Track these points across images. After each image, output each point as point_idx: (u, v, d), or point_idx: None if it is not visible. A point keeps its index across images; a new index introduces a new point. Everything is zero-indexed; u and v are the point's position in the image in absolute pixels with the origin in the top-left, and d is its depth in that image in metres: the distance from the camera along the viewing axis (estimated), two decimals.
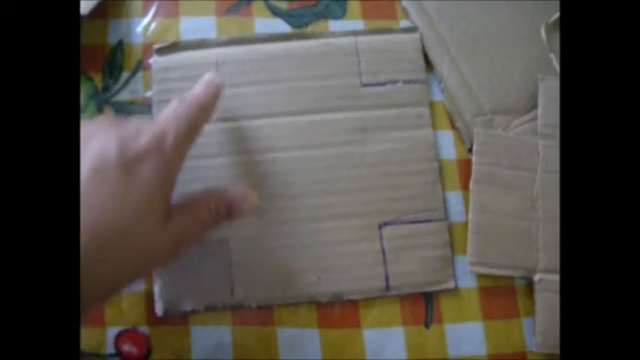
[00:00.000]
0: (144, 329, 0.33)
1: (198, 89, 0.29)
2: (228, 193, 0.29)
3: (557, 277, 0.34)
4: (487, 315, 0.34)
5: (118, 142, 0.25)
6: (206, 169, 0.34)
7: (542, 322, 0.33)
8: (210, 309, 0.33)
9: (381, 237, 0.34)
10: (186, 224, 0.27)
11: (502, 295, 0.35)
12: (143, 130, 0.26)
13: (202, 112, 0.29)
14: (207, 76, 0.30)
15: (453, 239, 0.35)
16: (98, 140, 0.25)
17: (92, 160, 0.24)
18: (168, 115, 0.27)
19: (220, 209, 0.29)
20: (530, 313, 0.34)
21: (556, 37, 0.38)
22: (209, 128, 0.34)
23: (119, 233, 0.24)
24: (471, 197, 0.35)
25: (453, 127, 0.37)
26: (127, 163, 0.25)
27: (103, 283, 0.25)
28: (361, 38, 0.37)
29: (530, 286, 0.34)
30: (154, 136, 0.26)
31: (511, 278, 0.35)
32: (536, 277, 0.34)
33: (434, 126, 0.37)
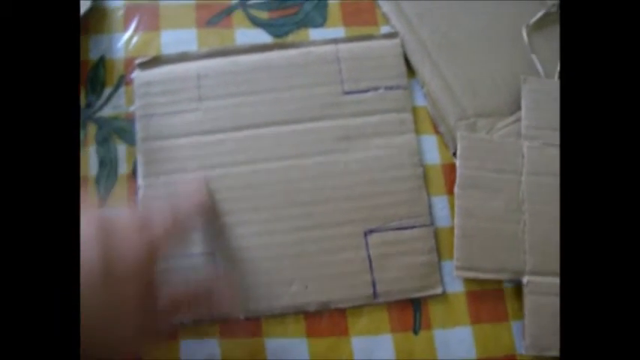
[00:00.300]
0: None
1: (190, 207, 0.31)
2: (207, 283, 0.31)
3: (544, 279, 0.34)
4: (476, 319, 0.34)
5: (104, 253, 0.25)
6: (188, 183, 0.34)
7: (531, 325, 0.33)
8: (198, 322, 0.33)
9: (366, 244, 0.34)
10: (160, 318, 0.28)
11: (490, 299, 0.35)
12: (133, 243, 0.26)
13: (191, 223, 0.31)
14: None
15: (440, 244, 0.35)
16: (85, 248, 0.24)
17: (82, 266, 0.23)
18: (159, 229, 0.27)
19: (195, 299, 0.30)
20: (519, 316, 0.34)
21: (537, 38, 0.38)
22: (191, 141, 0.35)
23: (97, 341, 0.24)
24: (456, 202, 0.35)
25: (437, 131, 0.37)
26: (113, 282, 0.25)
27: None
28: (342, 46, 0.37)
29: (518, 288, 0.34)
30: (147, 248, 0.26)
31: (498, 282, 0.35)
32: (524, 280, 0.34)
33: (417, 131, 0.37)
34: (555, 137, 0.36)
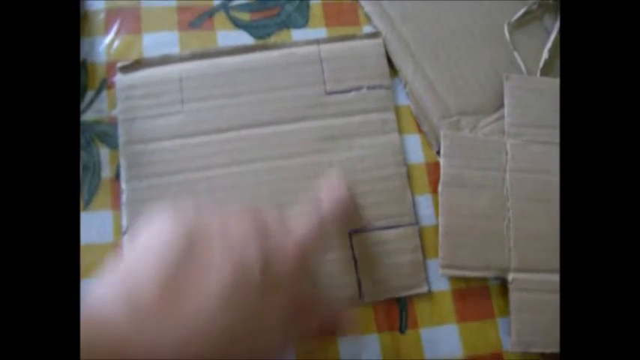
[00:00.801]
0: None
1: (336, 206, 0.29)
2: (335, 315, 0.29)
3: (530, 276, 0.34)
4: (462, 317, 0.34)
5: (262, 258, 0.23)
6: (170, 185, 0.34)
7: (517, 321, 0.33)
8: None
9: (351, 245, 0.34)
10: (303, 332, 0.27)
11: (476, 297, 0.35)
12: (286, 247, 0.24)
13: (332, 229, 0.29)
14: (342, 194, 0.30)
15: (424, 243, 0.35)
16: (242, 250, 0.23)
17: (234, 273, 0.22)
18: (306, 229, 0.26)
19: (328, 327, 0.28)
20: (505, 312, 0.34)
21: (519, 35, 0.38)
22: (174, 144, 0.35)
23: (245, 340, 0.22)
24: (441, 200, 0.35)
25: (420, 130, 0.37)
26: (268, 283, 0.23)
27: None
28: (324, 46, 0.37)
29: (503, 285, 0.34)
30: (298, 251, 0.24)
31: (484, 279, 0.35)
32: (510, 277, 0.34)
33: (401, 131, 0.37)
34: (539, 134, 0.36)
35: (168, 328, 0.21)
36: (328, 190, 0.30)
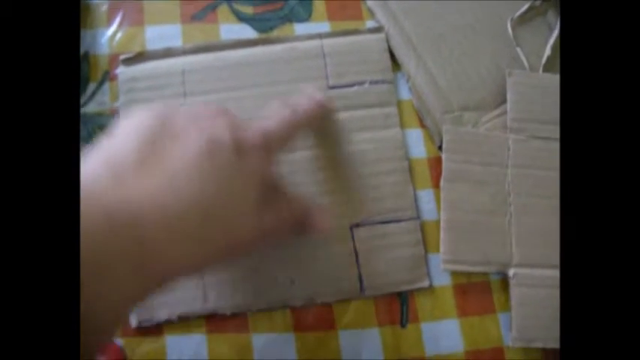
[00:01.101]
0: (118, 341, 0.33)
1: (309, 105, 0.30)
2: (306, 208, 0.30)
3: (531, 271, 0.34)
4: (463, 312, 0.34)
5: (232, 130, 0.25)
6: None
7: (517, 317, 0.33)
8: (184, 318, 0.33)
9: (352, 238, 0.34)
10: (277, 221, 0.27)
11: (477, 292, 0.35)
12: (251, 125, 0.27)
13: (303, 128, 0.30)
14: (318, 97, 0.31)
15: (426, 238, 0.35)
16: (212, 124, 0.25)
17: (207, 141, 0.24)
18: (276, 119, 0.28)
19: (300, 218, 0.29)
20: (506, 308, 0.34)
21: (522, 31, 0.38)
22: None
23: (221, 213, 0.24)
24: (442, 195, 0.35)
25: (422, 125, 0.37)
26: (239, 152, 0.25)
27: (193, 260, 0.24)
28: (327, 41, 0.37)
29: (504, 281, 0.34)
30: (263, 133, 0.26)
31: (485, 274, 0.35)
32: (511, 272, 0.34)
33: (403, 125, 0.37)
34: (541, 130, 0.36)
35: (147, 181, 0.22)
36: (305, 95, 0.31)
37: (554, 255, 0.34)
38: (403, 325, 0.34)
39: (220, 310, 0.33)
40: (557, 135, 0.36)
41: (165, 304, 0.33)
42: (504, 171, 0.35)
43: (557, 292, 0.33)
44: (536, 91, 0.36)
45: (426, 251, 0.35)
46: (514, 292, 0.33)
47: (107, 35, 0.37)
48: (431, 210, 0.36)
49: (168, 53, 0.36)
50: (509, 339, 0.33)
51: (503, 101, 0.37)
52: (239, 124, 0.26)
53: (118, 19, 0.38)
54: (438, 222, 0.35)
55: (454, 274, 0.35)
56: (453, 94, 0.37)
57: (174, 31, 0.37)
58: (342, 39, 0.37)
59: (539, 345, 0.33)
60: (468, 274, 0.35)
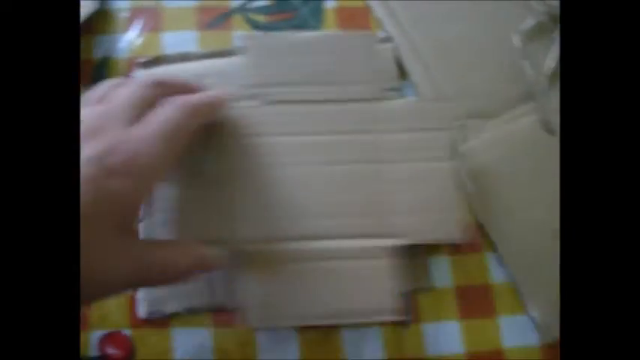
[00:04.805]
0: (127, 332, 0.34)
1: (194, 95, 0.30)
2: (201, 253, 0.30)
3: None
4: (464, 314, 0.35)
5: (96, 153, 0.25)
6: None
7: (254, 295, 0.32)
8: (191, 311, 0.34)
9: None
10: (159, 262, 0.27)
11: (478, 294, 0.35)
12: (123, 139, 0.26)
13: (192, 119, 0.29)
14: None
15: None
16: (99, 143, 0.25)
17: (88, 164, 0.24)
18: (154, 121, 0.27)
19: (194, 265, 0.29)
20: (507, 311, 0.35)
21: (527, 42, 0.39)
22: None
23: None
24: None
25: None
26: (96, 177, 0.24)
27: None
28: None
29: (508, 284, 0.35)
30: (129, 155, 0.25)
31: (487, 277, 0.35)
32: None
33: None
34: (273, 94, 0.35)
35: None
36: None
37: (281, 228, 0.33)
38: (405, 325, 0.34)
39: (227, 305, 0.34)
40: (291, 97, 0.35)
41: (174, 297, 0.34)
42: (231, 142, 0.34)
43: (287, 267, 0.32)
44: (269, 53, 0.36)
45: (428, 253, 0.35)
46: (246, 270, 0.32)
47: (126, 40, 0.39)
48: None
49: (184, 57, 0.38)
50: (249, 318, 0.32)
51: (508, 109, 0.38)
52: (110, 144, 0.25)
53: (137, 25, 0.39)
54: None
55: (456, 275, 0.35)
56: (458, 102, 0.38)
57: (191, 37, 0.39)
58: None
59: (277, 324, 0.33)
60: (470, 277, 0.35)
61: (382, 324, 0.34)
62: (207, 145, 0.34)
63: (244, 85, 0.35)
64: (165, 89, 0.29)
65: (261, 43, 0.36)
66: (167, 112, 0.28)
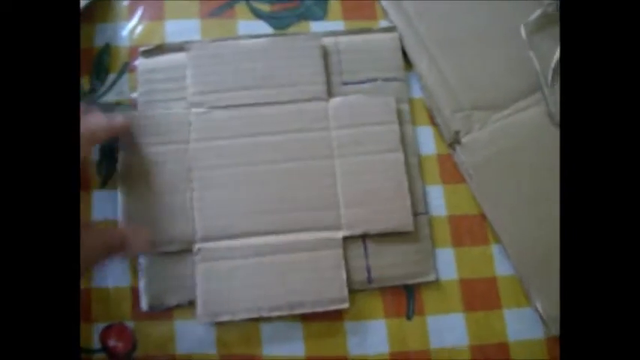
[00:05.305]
0: (130, 324, 0.34)
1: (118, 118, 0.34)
2: (121, 231, 0.32)
3: (215, 244, 0.34)
4: (469, 307, 0.35)
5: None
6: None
7: (203, 292, 0.33)
8: (194, 304, 0.33)
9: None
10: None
11: (483, 287, 0.35)
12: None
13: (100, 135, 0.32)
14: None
15: (433, 232, 0.35)
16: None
17: None
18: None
19: (113, 244, 0.31)
20: (512, 304, 0.34)
21: (533, 35, 0.39)
22: None
23: None
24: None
25: (433, 123, 0.38)
26: None
27: None
28: (341, 38, 0.38)
29: (513, 278, 0.35)
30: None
31: (491, 270, 0.35)
32: (195, 248, 0.34)
33: (414, 122, 0.37)
34: (221, 99, 0.36)
35: None
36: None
37: (237, 224, 0.34)
38: (409, 318, 0.34)
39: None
40: (238, 102, 0.36)
41: (177, 290, 0.33)
42: (185, 147, 0.35)
43: (242, 262, 0.33)
44: (215, 62, 0.36)
45: (434, 245, 0.35)
46: (199, 267, 0.33)
47: (128, 28, 0.39)
48: (439, 205, 0.36)
49: (186, 46, 0.37)
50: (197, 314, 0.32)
51: (513, 102, 0.37)
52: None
53: (138, 13, 0.39)
54: (446, 217, 0.36)
55: (460, 268, 0.35)
56: (463, 93, 0.37)
57: (194, 26, 0.39)
58: (356, 37, 0.38)
59: (226, 318, 0.32)
60: (475, 270, 0.35)
61: (387, 316, 0.34)
62: (158, 153, 0.35)
63: (190, 93, 0.36)
64: None
65: (206, 51, 0.37)
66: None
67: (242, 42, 0.37)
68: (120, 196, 0.34)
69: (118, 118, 0.34)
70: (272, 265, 0.33)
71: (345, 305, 0.33)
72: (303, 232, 0.34)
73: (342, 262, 0.33)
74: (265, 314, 0.32)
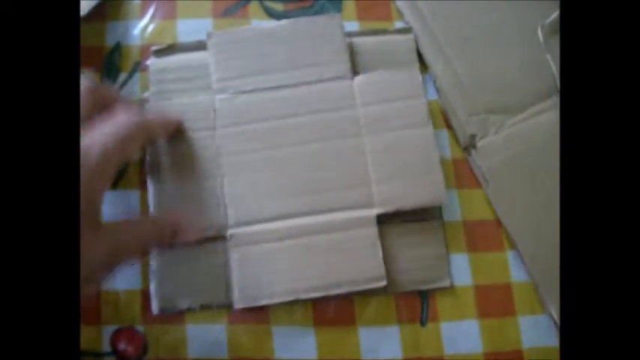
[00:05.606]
0: (140, 327, 0.33)
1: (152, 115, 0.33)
2: (174, 218, 0.31)
3: (247, 229, 0.33)
4: (483, 313, 0.34)
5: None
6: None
7: (239, 277, 0.32)
8: (205, 307, 0.33)
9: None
10: (126, 238, 0.29)
11: (498, 294, 0.35)
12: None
13: (142, 132, 0.30)
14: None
15: (448, 238, 0.35)
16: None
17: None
18: (109, 125, 0.28)
19: (165, 232, 0.30)
20: (527, 311, 0.34)
21: (553, 38, 0.38)
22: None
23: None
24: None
25: (448, 126, 0.37)
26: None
27: None
28: (356, 39, 0.37)
29: (527, 284, 0.34)
30: (83, 150, 0.26)
31: (506, 276, 0.35)
32: (228, 234, 0.33)
33: None
34: (246, 84, 0.35)
35: None
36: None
37: (269, 208, 0.34)
38: (423, 324, 0.34)
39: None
40: (262, 85, 0.35)
41: (188, 293, 0.33)
42: (212, 133, 0.35)
43: (277, 245, 0.33)
44: (238, 48, 0.36)
45: (448, 251, 0.35)
46: (233, 253, 0.33)
47: (139, 27, 0.38)
48: (454, 210, 0.36)
49: (198, 46, 0.37)
50: (234, 300, 0.32)
51: (529, 105, 0.37)
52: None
53: (150, 12, 0.38)
54: (460, 222, 0.35)
55: (476, 274, 0.35)
56: (479, 96, 0.37)
57: (206, 25, 0.38)
58: (371, 38, 0.38)
59: (265, 302, 0.32)
60: (490, 276, 0.35)
61: (400, 322, 0.34)
62: (188, 140, 0.35)
63: (214, 80, 0.36)
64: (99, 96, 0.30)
65: (226, 37, 0.36)
66: (121, 121, 0.29)
67: (263, 26, 0.37)
68: (150, 187, 0.34)
69: (169, 115, 0.34)
70: (306, 247, 0.33)
71: (383, 283, 0.32)
72: (336, 212, 0.34)
73: (378, 241, 0.33)
74: (303, 296, 0.32)
